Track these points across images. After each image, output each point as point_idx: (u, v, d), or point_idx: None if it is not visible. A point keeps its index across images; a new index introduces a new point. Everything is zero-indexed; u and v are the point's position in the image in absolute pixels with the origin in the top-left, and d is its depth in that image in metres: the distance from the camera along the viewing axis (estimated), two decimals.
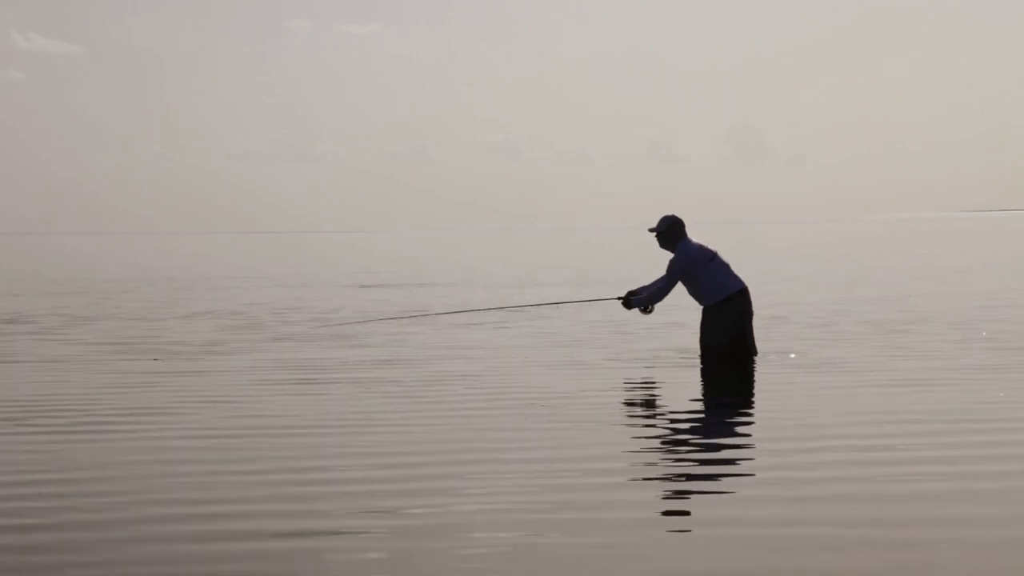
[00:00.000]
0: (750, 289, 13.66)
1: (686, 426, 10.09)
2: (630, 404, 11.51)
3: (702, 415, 10.77)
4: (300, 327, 19.27)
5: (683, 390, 12.19)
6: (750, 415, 10.64)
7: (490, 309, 15.84)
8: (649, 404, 11.51)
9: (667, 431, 9.82)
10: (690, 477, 7.90)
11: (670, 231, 13.69)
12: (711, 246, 13.81)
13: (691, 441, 9.33)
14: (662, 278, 13.66)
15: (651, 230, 13.79)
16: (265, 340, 17.11)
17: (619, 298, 14.09)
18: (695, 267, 13.51)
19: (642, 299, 13.74)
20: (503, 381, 12.78)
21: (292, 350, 15.74)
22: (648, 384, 12.86)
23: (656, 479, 7.81)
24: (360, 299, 26.95)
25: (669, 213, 13.79)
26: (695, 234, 13.75)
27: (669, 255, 13.71)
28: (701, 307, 13.70)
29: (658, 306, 13.98)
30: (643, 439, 9.35)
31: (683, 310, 16.31)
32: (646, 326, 17.07)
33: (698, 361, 13.62)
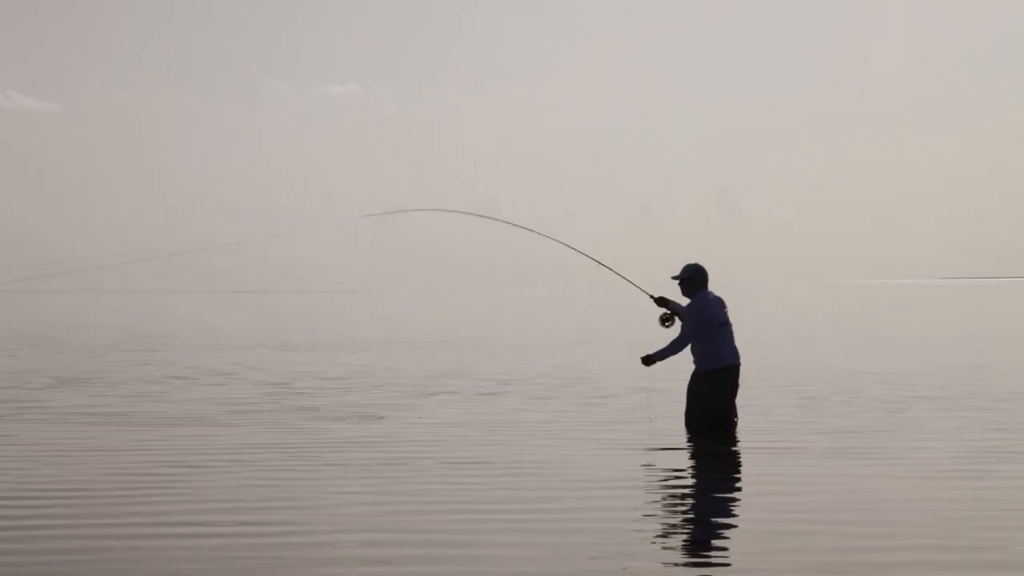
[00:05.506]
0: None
1: (674, 516, 9.57)
2: (616, 483, 10.89)
3: (690, 500, 10.26)
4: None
5: (671, 473, 11.62)
6: (736, 501, 10.20)
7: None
8: (635, 485, 10.91)
9: (655, 518, 9.32)
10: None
11: (693, 279, 13.76)
12: (727, 305, 13.85)
13: (675, 538, 8.84)
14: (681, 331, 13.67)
15: (674, 277, 13.77)
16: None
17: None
18: (711, 322, 13.46)
19: (665, 351, 13.62)
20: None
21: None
22: (636, 460, 12.26)
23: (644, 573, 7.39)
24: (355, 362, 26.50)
25: (692, 261, 13.86)
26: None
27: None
28: (693, 371, 13.73)
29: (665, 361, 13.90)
30: (629, 528, 8.86)
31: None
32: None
33: (681, 432, 13.45)
